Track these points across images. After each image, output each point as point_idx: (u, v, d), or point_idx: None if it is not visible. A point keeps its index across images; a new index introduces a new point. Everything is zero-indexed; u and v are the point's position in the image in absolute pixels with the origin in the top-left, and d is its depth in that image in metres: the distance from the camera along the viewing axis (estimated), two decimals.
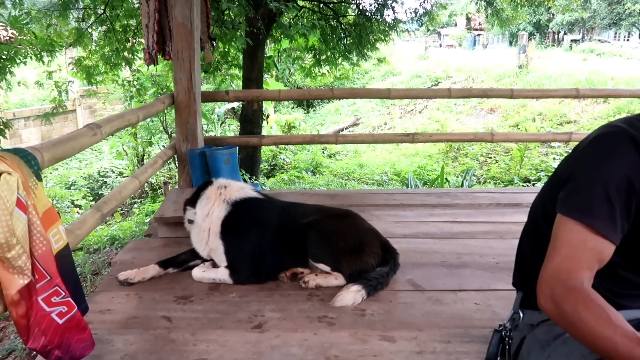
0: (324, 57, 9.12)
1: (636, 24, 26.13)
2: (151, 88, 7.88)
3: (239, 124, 8.48)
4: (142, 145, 8.42)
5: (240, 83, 7.42)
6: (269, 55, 9.62)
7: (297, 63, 10.46)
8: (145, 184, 7.13)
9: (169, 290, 2.11)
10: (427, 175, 7.39)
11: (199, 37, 3.58)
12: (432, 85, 15.38)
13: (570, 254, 1.14)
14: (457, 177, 7.18)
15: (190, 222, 2.25)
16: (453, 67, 16.12)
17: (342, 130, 13.24)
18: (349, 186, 7.47)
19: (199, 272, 2.20)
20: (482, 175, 7.41)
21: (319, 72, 10.82)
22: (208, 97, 4.10)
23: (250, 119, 7.38)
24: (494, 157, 8.45)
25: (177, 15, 3.38)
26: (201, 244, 2.23)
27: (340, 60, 9.17)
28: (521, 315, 1.49)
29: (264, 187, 7.16)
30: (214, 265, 2.25)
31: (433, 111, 12.58)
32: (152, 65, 3.63)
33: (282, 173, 9.27)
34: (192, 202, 2.26)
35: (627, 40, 26.86)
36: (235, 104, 10.57)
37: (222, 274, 2.16)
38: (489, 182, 7.05)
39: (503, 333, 1.55)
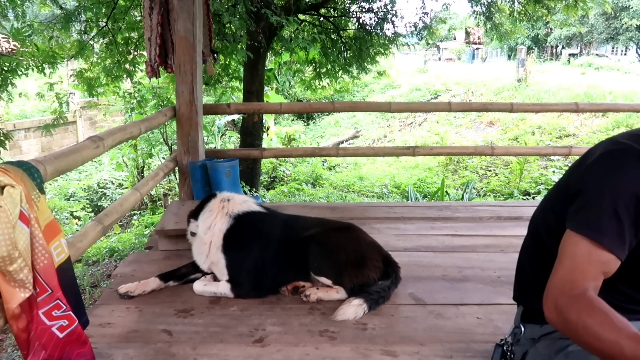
0: (324, 70, 9.18)
1: (633, 39, 26.35)
2: (152, 100, 7.91)
3: (239, 136, 8.50)
4: (142, 157, 8.42)
5: (241, 95, 7.46)
6: (270, 68, 9.68)
7: (298, 76, 10.53)
8: (145, 196, 7.12)
9: (169, 303, 2.10)
10: (427, 187, 7.39)
11: (201, 50, 3.61)
12: (432, 98, 15.45)
13: (576, 266, 1.16)
14: (457, 190, 7.19)
15: (193, 234, 2.24)
16: (452, 80, 16.21)
17: (342, 142, 13.27)
18: (349, 199, 7.46)
19: (200, 286, 2.19)
20: (482, 188, 7.41)
21: (319, 85, 10.89)
22: (209, 109, 4.11)
23: (251, 131, 7.40)
24: (494, 170, 8.47)
25: (179, 28, 3.41)
26: (202, 257, 2.22)
27: (340, 73, 9.23)
28: (522, 329, 1.48)
29: (264, 199, 7.16)
30: (215, 278, 2.24)
31: (433, 124, 12.62)
32: (154, 77, 3.65)
33: (282, 185, 9.27)
34: (194, 214, 2.26)
35: (625, 54, 27.08)
36: (236, 116, 10.61)
37: (223, 287, 2.15)
38: (489, 195, 7.05)
39: (505, 348, 1.55)
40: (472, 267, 2.46)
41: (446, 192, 6.02)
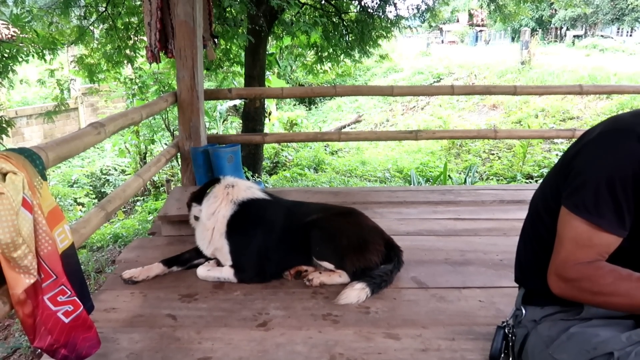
0: (326, 54, 9.10)
1: (639, 20, 26.02)
2: (153, 86, 7.88)
3: (241, 121, 8.48)
4: (145, 143, 8.42)
5: (242, 80, 7.42)
6: (271, 53, 9.61)
7: (299, 60, 10.45)
8: (148, 182, 7.14)
9: (173, 288, 2.11)
10: (430, 172, 7.38)
11: (202, 35, 3.58)
12: (435, 81, 15.33)
13: (577, 248, 1.19)
14: (460, 173, 7.17)
15: (197, 218, 2.25)
16: (455, 63, 16.06)
17: (344, 127, 13.22)
18: (351, 183, 7.46)
19: (204, 271, 2.20)
20: (485, 172, 7.39)
21: (321, 69, 10.81)
22: (211, 95, 4.09)
23: (252, 116, 7.38)
24: (497, 153, 8.43)
25: (179, 13, 3.38)
26: (205, 242, 2.23)
27: (342, 57, 9.16)
28: (524, 311, 1.49)
29: (266, 184, 7.17)
30: (219, 263, 2.25)
31: (435, 108, 12.55)
32: (155, 63, 3.63)
33: (284, 170, 9.27)
34: (197, 198, 2.27)
35: (630, 35, 26.76)
36: (238, 102, 10.57)
37: (226, 272, 2.16)
38: (492, 179, 7.03)
39: (506, 330, 1.56)
40: (475, 251, 2.46)
41: (449, 176, 6.01)
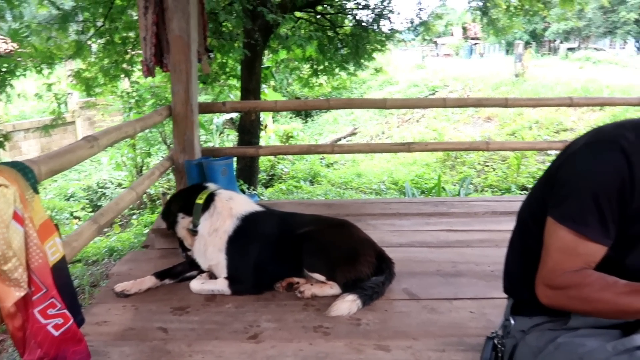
0: (321, 67, 9.17)
1: (631, 32, 26.34)
2: (150, 99, 7.93)
3: (237, 134, 8.51)
4: (141, 157, 8.44)
5: (239, 94, 7.47)
6: (267, 66, 9.69)
7: (295, 73, 10.53)
8: (144, 195, 7.14)
9: (165, 301, 2.12)
10: (425, 184, 7.41)
11: (196, 49, 3.62)
12: (430, 94, 15.44)
13: (563, 258, 1.22)
14: (455, 185, 7.21)
15: (194, 232, 2.23)
16: (450, 76, 16.19)
17: (340, 139, 13.28)
18: (346, 195, 7.48)
19: (198, 284, 2.20)
20: (480, 184, 7.43)
21: (317, 82, 10.89)
22: (205, 108, 4.13)
23: (248, 129, 7.42)
24: (491, 165, 8.49)
25: (174, 28, 3.42)
26: (203, 257, 2.22)
27: (337, 70, 9.22)
28: (512, 322, 1.50)
29: (262, 197, 7.18)
30: (211, 275, 2.26)
31: (430, 120, 12.63)
32: (150, 77, 3.67)
33: (280, 183, 9.29)
34: (185, 209, 2.25)
35: (623, 48, 27.05)
36: (234, 115, 10.63)
37: (221, 285, 2.17)
38: (487, 191, 7.07)
39: (495, 341, 1.57)
40: (467, 262, 2.48)
41: (443, 187, 6.04)
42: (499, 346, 1.56)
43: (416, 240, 2.81)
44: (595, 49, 25.01)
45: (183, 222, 2.26)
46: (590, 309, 1.20)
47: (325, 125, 16.12)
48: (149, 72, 3.58)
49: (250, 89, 7.01)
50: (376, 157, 10.65)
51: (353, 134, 13.98)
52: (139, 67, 6.22)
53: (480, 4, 8.30)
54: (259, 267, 2.15)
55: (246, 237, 2.18)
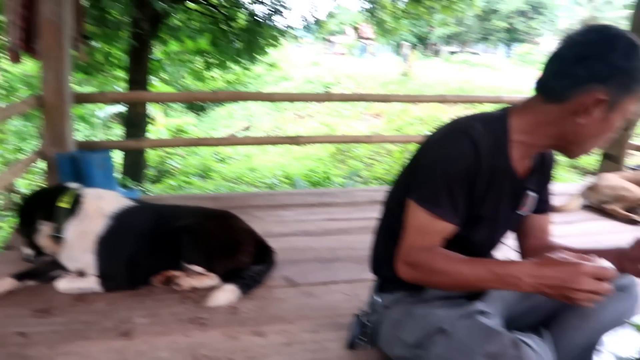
0: (214, 60, 8.98)
1: (502, 39, 29.16)
2: (23, 89, 7.22)
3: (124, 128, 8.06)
4: (10, 152, 7.66)
5: (126, 86, 7.09)
6: (157, 58, 9.28)
7: (187, 66, 10.20)
8: (16, 195, 6.47)
9: (26, 304, 1.94)
10: (316, 177, 7.59)
11: (70, 35, 3.36)
12: (324, 90, 15.79)
13: (419, 236, 1.33)
14: (345, 179, 7.47)
15: (58, 238, 2.02)
16: (343, 73, 16.71)
17: (234, 134, 13.12)
18: (239, 190, 7.43)
19: (65, 283, 2.04)
20: (368, 176, 7.79)
21: (210, 75, 10.64)
22: (82, 98, 3.84)
23: (135, 122, 7.07)
24: (378, 158, 8.93)
25: (45, 11, 3.15)
26: (71, 261, 2.06)
27: (230, 64, 9.09)
28: (377, 299, 1.61)
29: (149, 193, 6.87)
30: (81, 273, 2.11)
31: (323, 116, 12.94)
32: (17, 63, 3.36)
33: (170, 179, 8.97)
34: (46, 214, 2.03)
35: (495, 53, 29.85)
36: (123, 109, 10.04)
37: (91, 282, 2.03)
38: (374, 182, 7.42)
39: (363, 318, 1.67)
40: (344, 248, 2.59)
41: (331, 180, 6.24)
42: (366, 323, 1.66)
43: (299, 230, 2.88)
44: (472, 52, 27.30)
45: (44, 230, 2.04)
46: (438, 283, 1.31)
47: (219, 120, 15.82)
48: (15, 57, 3.27)
49: (138, 81, 6.68)
50: (270, 151, 10.69)
51: (247, 128, 13.88)
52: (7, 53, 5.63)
53: (370, 6, 8.68)
54: (132, 263, 2.06)
55: (118, 234, 2.06)
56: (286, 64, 20.27)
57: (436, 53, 30.00)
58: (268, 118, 14.79)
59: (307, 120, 13.39)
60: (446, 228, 1.33)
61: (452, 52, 27.89)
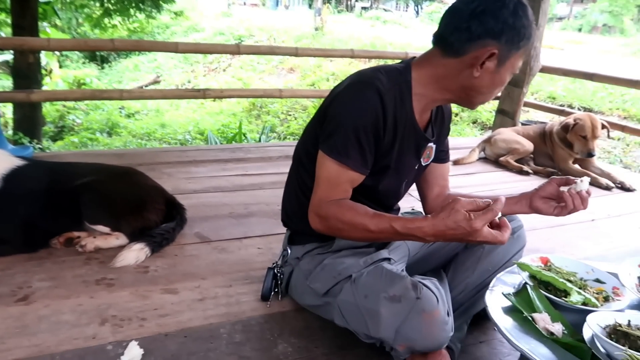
0: (114, 6, 8.32)
1: None
2: None
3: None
4: None
5: (10, 31, 6.37)
6: (47, 1, 8.39)
7: (82, 12, 9.36)
8: None
9: None
10: (231, 133, 7.44)
11: None
12: (236, 43, 15.25)
13: (329, 187, 1.35)
14: (260, 134, 7.39)
15: None
16: (256, 26, 16.20)
17: (142, 88, 12.37)
18: (149, 147, 7.10)
19: None
20: (283, 132, 7.76)
21: (109, 23, 9.85)
22: None
23: (25, 73, 6.43)
24: (294, 114, 8.90)
25: None
26: None
27: (132, 11, 8.46)
28: (289, 251, 1.64)
29: (49, 150, 6.36)
30: None
31: (237, 70, 12.57)
32: None
33: (72, 135, 8.35)
34: None
35: (406, 11, 30.41)
36: (9, 57, 9.04)
37: None
38: (289, 138, 7.42)
39: (275, 270, 1.70)
40: (258, 203, 2.59)
41: (245, 135, 6.15)
42: (279, 274, 1.70)
43: (211, 186, 2.83)
44: (384, 9, 27.59)
45: None
46: (348, 235, 1.35)
47: (125, 72, 14.79)
48: None
49: (25, 26, 6.02)
50: (182, 107, 10.25)
51: (156, 82, 13.14)
52: None
53: None
54: (27, 225, 1.92)
55: (8, 196, 1.90)
56: (196, 13, 19.24)
57: (349, 8, 29.96)
58: (178, 71, 14.08)
59: (220, 74, 12.94)
60: (355, 178, 1.37)
61: (364, 8, 28.00)
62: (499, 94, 4.64)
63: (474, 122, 8.40)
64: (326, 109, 1.43)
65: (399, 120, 1.39)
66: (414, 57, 1.46)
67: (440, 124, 1.59)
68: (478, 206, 1.17)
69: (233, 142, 5.89)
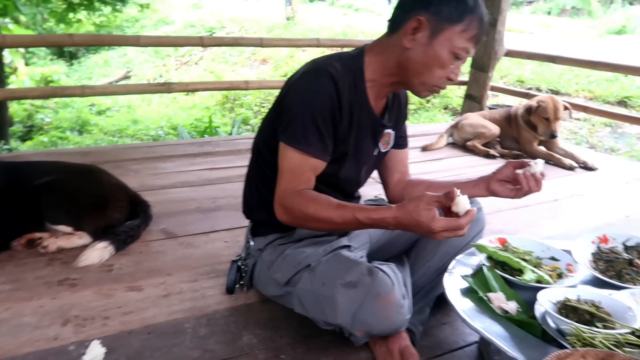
0: (78, 0, 8.12)
1: None
2: None
3: None
4: None
5: None
6: None
7: (45, 7, 9.11)
8: None
9: None
10: (204, 127, 7.36)
11: None
12: (207, 35, 15.04)
13: (293, 176, 1.34)
14: (232, 127, 7.34)
15: None
16: (227, 17, 15.97)
17: (112, 84, 12.14)
18: (120, 144, 6.99)
19: None
20: (256, 124, 7.70)
21: (74, 18, 9.61)
22: None
23: None
24: (267, 106, 8.83)
25: None
26: None
27: (97, 4, 8.27)
28: (252, 243, 1.65)
29: (17, 150, 6.22)
30: None
31: (209, 62, 12.39)
32: None
33: (41, 135, 8.16)
34: None
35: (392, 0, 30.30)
36: None
37: None
38: None
39: (239, 262, 1.71)
40: (226, 197, 2.59)
41: (216, 129, 6.10)
42: (242, 267, 1.70)
43: (179, 181, 2.81)
44: None
45: None
46: (313, 226, 1.36)
47: (94, 68, 14.45)
48: None
49: None
50: (154, 102, 10.09)
51: (127, 77, 12.90)
52: None
53: None
54: None
55: None
56: (165, 6, 18.86)
57: None
58: (150, 66, 13.82)
59: (192, 67, 12.75)
60: (318, 165, 1.37)
61: None
62: (467, 79, 4.70)
63: (445, 108, 8.47)
64: (282, 99, 1.44)
65: (354, 106, 1.40)
66: (367, 44, 1.47)
67: (397, 110, 1.61)
68: (442, 202, 1.18)
69: (205, 135, 5.83)
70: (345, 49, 1.56)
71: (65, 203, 1.96)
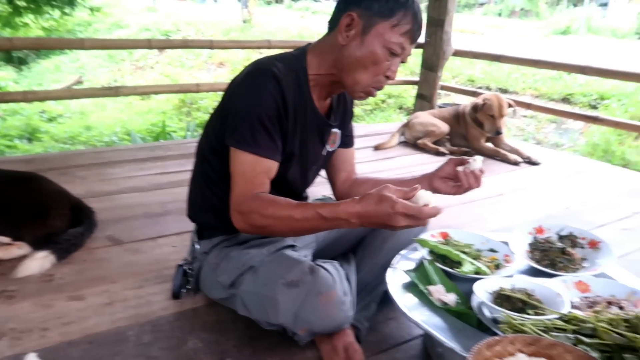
0: (24, 3, 7.83)
1: None
2: None
3: None
4: None
5: None
6: None
7: None
8: None
9: None
10: (159, 131, 7.22)
11: None
12: (163, 39, 14.77)
13: (246, 180, 1.31)
14: (190, 131, 7.23)
15: None
16: (183, 20, 15.74)
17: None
18: (72, 150, 6.78)
19: None
20: None
21: (21, 22, 9.26)
22: None
23: None
24: None
25: None
26: None
27: (46, 8, 8.00)
28: (197, 246, 1.63)
29: None
30: None
31: (165, 66, 12.19)
32: None
33: None
34: None
35: (335, 0, 30.53)
36: None
37: None
38: None
39: (185, 267, 1.68)
40: (175, 201, 2.54)
41: (169, 134, 6.00)
42: (189, 271, 1.68)
43: (127, 187, 2.75)
44: (314, 0, 27.56)
45: None
46: (273, 229, 1.29)
47: (45, 74, 13.95)
48: None
49: None
50: (108, 107, 9.82)
51: (79, 82, 12.50)
52: None
53: None
54: None
55: None
56: (119, 9, 18.41)
57: (278, 0, 29.74)
58: (104, 71, 13.45)
59: (147, 71, 12.50)
60: (270, 166, 1.35)
61: None
62: (417, 79, 4.80)
63: (400, 108, 8.62)
64: (227, 101, 1.43)
65: (298, 106, 1.41)
66: (309, 44, 1.48)
67: (343, 108, 1.63)
68: (404, 195, 1.17)
69: (160, 140, 5.72)
70: None
71: (2, 212, 1.89)
